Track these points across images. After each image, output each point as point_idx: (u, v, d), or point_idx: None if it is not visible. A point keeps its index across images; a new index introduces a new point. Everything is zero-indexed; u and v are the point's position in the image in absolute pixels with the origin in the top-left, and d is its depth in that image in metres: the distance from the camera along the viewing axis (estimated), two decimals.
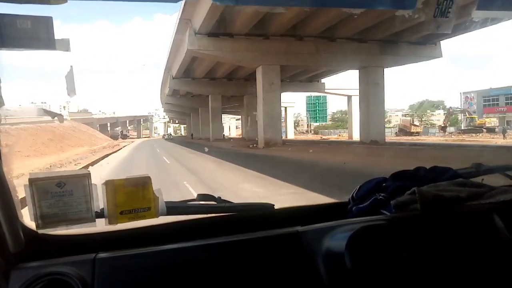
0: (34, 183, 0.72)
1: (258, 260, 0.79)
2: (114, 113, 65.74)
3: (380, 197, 1.00)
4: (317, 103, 79.89)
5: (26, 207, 0.73)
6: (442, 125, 45.14)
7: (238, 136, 59.24)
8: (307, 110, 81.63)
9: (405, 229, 0.81)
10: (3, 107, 0.75)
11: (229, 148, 23.79)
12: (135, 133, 75.59)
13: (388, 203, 0.96)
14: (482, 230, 0.85)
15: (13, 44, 0.83)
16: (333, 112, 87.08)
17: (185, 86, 33.03)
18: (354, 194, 1.07)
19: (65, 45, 0.93)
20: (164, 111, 70.70)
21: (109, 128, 57.51)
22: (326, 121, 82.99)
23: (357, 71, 22.89)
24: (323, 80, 36.55)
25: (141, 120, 79.58)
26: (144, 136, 75.98)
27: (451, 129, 45.42)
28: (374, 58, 21.38)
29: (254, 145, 22.28)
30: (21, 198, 0.76)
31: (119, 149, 24.98)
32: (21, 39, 0.83)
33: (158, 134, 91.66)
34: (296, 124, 73.73)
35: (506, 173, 1.21)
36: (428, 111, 64.48)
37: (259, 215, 1.02)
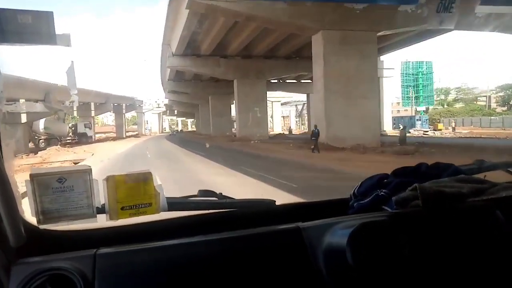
0: (35, 178, 0.72)
1: (259, 256, 0.79)
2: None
3: (382, 193, 0.99)
4: (419, 73, 41.64)
5: (27, 203, 0.73)
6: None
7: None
8: (402, 86, 42.18)
9: (406, 225, 0.81)
10: (3, 102, 0.75)
11: None
12: (114, 129, 47.00)
13: (390, 199, 0.96)
14: (484, 226, 0.85)
15: (14, 39, 0.83)
16: (457, 89, 51.03)
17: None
18: (355, 191, 1.06)
19: (66, 40, 0.93)
20: (165, 90, 43.68)
21: (23, 119, 22.25)
22: (433, 104, 46.04)
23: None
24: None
25: (124, 106, 45.02)
26: (129, 133, 47.76)
27: None
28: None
29: None
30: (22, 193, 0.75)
31: None
32: (22, 34, 0.83)
33: (150, 130, 65.32)
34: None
35: (508, 170, 1.20)
36: None
37: (260, 211, 1.02)
